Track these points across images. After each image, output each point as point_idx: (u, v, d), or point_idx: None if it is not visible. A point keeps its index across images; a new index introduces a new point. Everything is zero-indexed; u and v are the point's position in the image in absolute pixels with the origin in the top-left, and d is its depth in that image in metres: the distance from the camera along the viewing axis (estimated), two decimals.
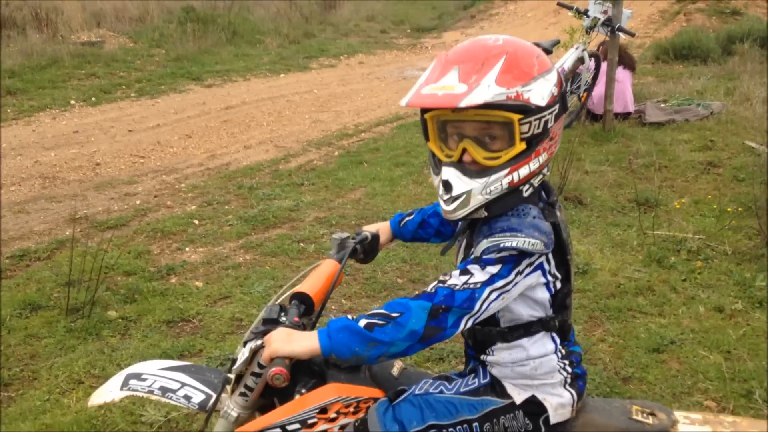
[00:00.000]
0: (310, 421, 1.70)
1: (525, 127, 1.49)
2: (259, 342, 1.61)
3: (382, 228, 2.10)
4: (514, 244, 1.48)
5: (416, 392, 1.71)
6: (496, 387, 1.69)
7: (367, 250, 2.07)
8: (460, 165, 1.55)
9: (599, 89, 7.46)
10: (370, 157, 7.26)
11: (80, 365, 3.56)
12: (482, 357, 1.73)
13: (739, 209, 5.13)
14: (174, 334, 3.94)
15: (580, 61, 7.13)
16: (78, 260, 4.14)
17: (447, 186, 1.56)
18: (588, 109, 7.76)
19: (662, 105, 8.05)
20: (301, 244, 5.12)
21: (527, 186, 1.56)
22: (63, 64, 10.76)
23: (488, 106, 1.44)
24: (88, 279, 4.09)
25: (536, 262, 1.56)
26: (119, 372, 2.15)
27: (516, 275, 1.51)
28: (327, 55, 13.39)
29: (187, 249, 5.07)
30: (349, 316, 1.51)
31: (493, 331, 1.66)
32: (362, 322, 1.46)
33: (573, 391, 1.70)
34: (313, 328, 1.78)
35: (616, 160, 6.48)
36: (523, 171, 1.52)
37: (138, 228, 5.40)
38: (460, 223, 1.80)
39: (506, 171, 1.52)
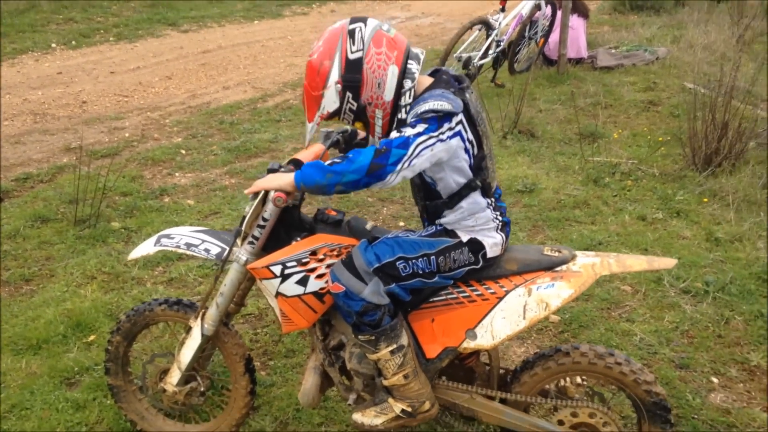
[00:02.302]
0: (303, 260, 2.23)
1: (346, 120, 2.14)
2: (262, 193, 2.15)
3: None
4: (426, 108, 1.96)
5: (389, 236, 2.26)
6: (448, 231, 2.23)
7: (348, 141, 2.49)
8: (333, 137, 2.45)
9: (555, 36, 8.01)
10: None
11: (92, 264, 4.10)
12: (436, 221, 2.28)
13: (669, 138, 5.80)
14: None
15: (537, 8, 7.66)
16: (78, 182, 4.64)
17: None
18: (544, 54, 8.32)
19: (613, 51, 8.65)
20: None
21: (401, 111, 2.11)
22: (41, 9, 10.95)
23: (327, 120, 2.14)
24: (92, 197, 4.59)
25: (455, 129, 2.02)
26: (151, 237, 2.60)
27: (438, 134, 1.98)
28: (299, 4, 13.68)
29: (177, 174, 5.58)
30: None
31: (439, 203, 2.20)
32: (326, 162, 1.98)
33: (503, 235, 2.27)
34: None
35: (567, 99, 7.08)
36: (378, 129, 2.14)
37: (129, 157, 5.88)
38: None
39: (376, 138, 2.17)
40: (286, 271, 2.22)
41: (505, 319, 2.23)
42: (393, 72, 2.04)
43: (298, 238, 2.28)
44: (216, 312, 2.45)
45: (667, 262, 2.29)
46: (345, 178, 1.94)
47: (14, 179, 5.31)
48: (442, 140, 1.99)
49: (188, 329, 2.51)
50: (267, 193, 2.17)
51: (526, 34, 7.86)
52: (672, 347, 3.36)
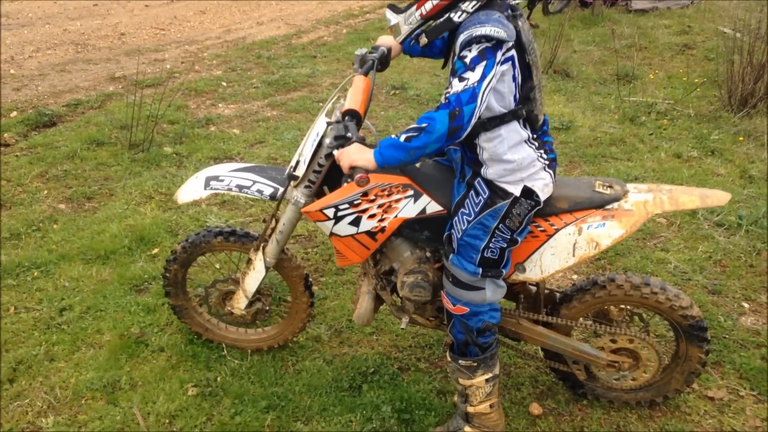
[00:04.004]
0: (355, 202, 2.24)
1: None
2: (336, 152, 2.08)
3: (394, 44, 2.42)
4: (483, 32, 1.84)
5: (458, 236, 2.20)
6: (498, 192, 2.13)
7: (383, 62, 2.42)
8: (397, 6, 2.07)
9: None
10: (376, 35, 7.78)
11: (149, 185, 4.30)
12: (477, 171, 2.17)
13: (704, 80, 5.86)
14: None
15: None
16: (127, 109, 4.80)
17: (387, 20, 2.11)
18: None
19: None
20: (320, 103, 5.79)
21: (458, 13, 1.95)
22: None
23: None
24: (143, 124, 4.75)
25: (507, 54, 1.93)
26: (194, 175, 2.60)
27: (497, 65, 1.88)
28: None
29: (220, 105, 5.73)
30: (393, 135, 1.93)
31: (477, 123, 2.01)
32: (402, 137, 1.90)
33: (551, 172, 2.17)
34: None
35: (602, 41, 7.10)
36: (428, 5, 1.97)
37: (173, 87, 6.02)
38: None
39: (415, 6, 2.00)
40: (339, 213, 2.27)
41: (554, 255, 2.25)
42: None
43: (349, 180, 2.18)
44: (276, 247, 2.56)
45: (721, 198, 2.23)
46: (428, 149, 1.91)
47: (65, 105, 5.48)
48: (498, 71, 1.93)
49: (249, 260, 2.63)
50: (322, 138, 2.26)
51: None
52: (705, 275, 3.52)
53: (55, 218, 3.92)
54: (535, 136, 2.13)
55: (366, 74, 2.32)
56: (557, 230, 2.24)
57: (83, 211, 4.06)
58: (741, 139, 4.90)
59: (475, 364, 2.35)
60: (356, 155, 1.99)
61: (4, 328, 3.04)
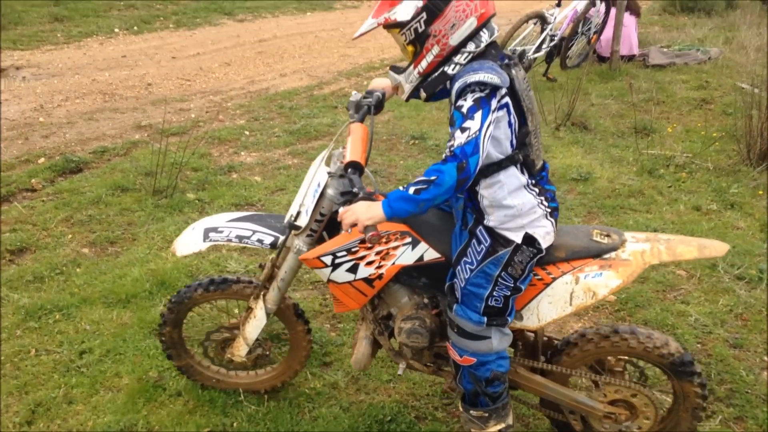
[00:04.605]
0: (353, 249, 2.29)
1: (403, 37, 2.02)
2: (341, 209, 2.07)
3: (386, 86, 2.48)
4: (476, 79, 1.92)
5: (462, 285, 2.23)
6: (499, 240, 2.17)
7: (378, 107, 2.44)
8: (398, 67, 2.17)
9: (607, 33, 8.10)
10: None
11: (171, 230, 4.37)
12: (479, 219, 2.21)
13: (722, 134, 5.89)
14: None
15: (592, 4, 7.77)
16: (152, 157, 4.91)
17: (391, 81, 2.23)
18: (596, 51, 8.41)
19: (665, 50, 8.70)
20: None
21: (452, 65, 2.03)
22: None
23: (386, 27, 2.02)
24: (167, 171, 4.86)
25: (503, 101, 1.99)
26: (191, 226, 2.64)
27: (493, 113, 1.94)
28: None
29: (242, 153, 5.84)
30: (401, 187, 1.97)
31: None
32: (411, 190, 1.93)
33: (552, 221, 2.22)
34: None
35: (620, 95, 7.18)
36: (423, 63, 2.05)
37: (197, 135, 6.16)
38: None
39: (412, 66, 2.08)
40: (337, 261, 2.30)
41: (551, 304, 2.27)
42: (471, 24, 2.01)
43: (349, 229, 2.16)
44: (278, 294, 2.59)
45: (719, 249, 2.23)
46: (437, 200, 1.96)
47: (92, 152, 5.62)
48: (495, 119, 1.99)
49: (249, 308, 2.66)
50: (325, 188, 2.30)
51: (580, 29, 7.97)
52: (726, 328, 3.48)
53: (79, 262, 3.98)
54: (534, 182, 2.17)
55: (362, 120, 2.34)
56: (554, 279, 2.26)
57: (106, 255, 4.13)
58: (760, 192, 4.89)
59: (487, 414, 2.36)
60: (365, 214, 2.00)
61: (24, 370, 3.06)
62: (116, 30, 10.03)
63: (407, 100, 2.19)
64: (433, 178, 1.91)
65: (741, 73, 7.62)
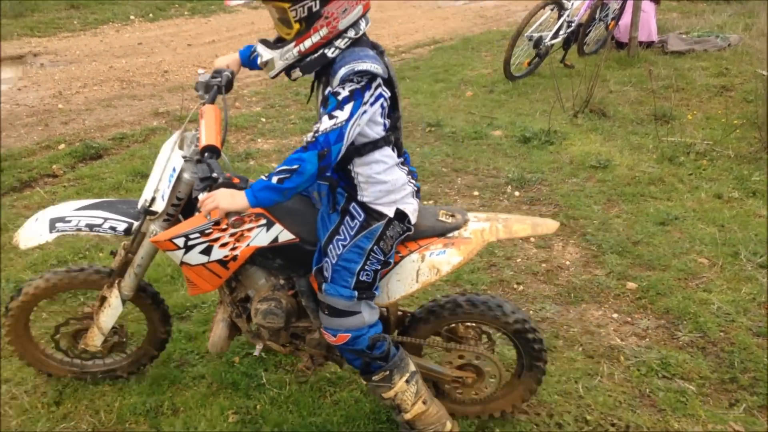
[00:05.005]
0: (206, 231, 2.25)
1: (294, 13, 1.99)
2: (201, 195, 2.05)
3: (233, 61, 2.48)
4: (364, 67, 1.98)
5: (333, 263, 2.26)
6: (373, 215, 2.25)
7: (228, 85, 2.39)
8: (268, 41, 2.14)
9: (626, 19, 8.01)
10: (411, 74, 7.93)
11: None
12: (352, 196, 2.26)
13: (744, 122, 5.82)
14: None
15: None
16: None
17: (259, 56, 2.16)
18: (614, 37, 8.33)
19: (684, 36, 8.61)
20: None
21: (332, 49, 2.06)
22: None
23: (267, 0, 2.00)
24: None
25: (377, 92, 2.06)
26: (34, 217, 2.53)
27: (365, 104, 2.01)
28: None
29: (259, 140, 5.85)
30: (263, 176, 2.00)
31: (351, 149, 2.13)
32: (274, 179, 1.97)
33: (417, 200, 2.36)
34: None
35: (638, 82, 7.11)
36: (307, 43, 2.04)
37: None
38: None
39: (293, 44, 2.05)
40: (190, 243, 2.27)
41: (399, 281, 2.39)
42: (359, 11, 2.07)
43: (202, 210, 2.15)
44: (134, 280, 2.54)
45: (550, 227, 2.44)
46: (300, 187, 2.01)
47: (111, 138, 5.65)
48: (366, 110, 2.04)
49: (103, 298, 2.58)
50: (181, 172, 2.27)
51: (597, 16, 7.89)
52: (749, 317, 3.46)
53: (101, 247, 4.01)
54: (402, 161, 2.28)
55: (213, 102, 2.29)
56: (402, 257, 2.38)
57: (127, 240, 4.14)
58: None
59: (388, 372, 2.41)
60: (227, 201, 2.00)
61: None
62: (132, 17, 10.05)
63: (274, 77, 2.18)
64: (295, 167, 1.96)
65: (761, 60, 7.52)
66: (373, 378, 2.43)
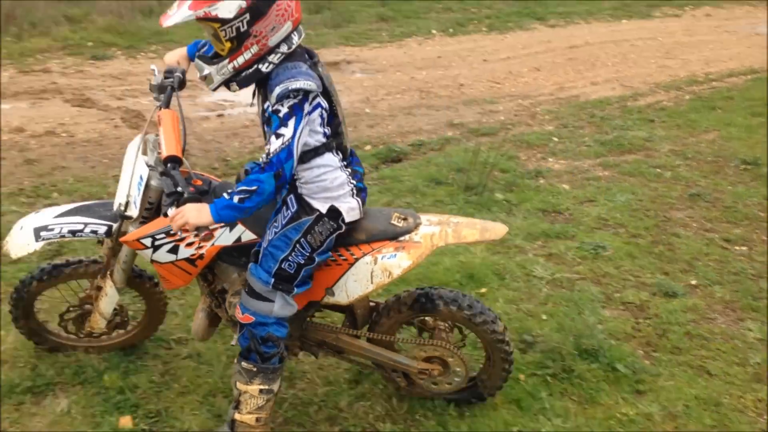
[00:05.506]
0: (172, 231, 2.36)
1: (223, 33, 2.08)
2: (172, 209, 2.16)
3: (182, 57, 2.53)
4: (298, 86, 2.08)
5: (264, 246, 2.39)
6: (305, 208, 2.34)
7: (181, 85, 2.46)
8: (206, 57, 2.23)
9: None
10: (723, 104, 7.24)
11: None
12: (293, 187, 2.35)
13: None
14: (549, 220, 4.68)
15: None
16: (464, 154, 5.06)
17: (198, 70, 2.24)
18: None
19: None
20: (658, 169, 5.51)
21: (266, 64, 2.16)
22: None
23: (203, 20, 2.05)
24: (479, 168, 4.98)
25: (314, 102, 2.17)
26: (17, 225, 2.67)
27: (306, 116, 2.13)
28: (671, 5, 13.03)
29: (550, 159, 5.77)
30: (225, 195, 2.15)
31: None
32: (235, 199, 2.13)
33: (358, 200, 2.40)
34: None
35: None
36: (240, 60, 2.14)
37: (505, 138, 6.24)
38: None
39: (227, 60, 2.15)
40: (156, 242, 2.42)
41: (356, 282, 2.49)
42: (288, 27, 2.15)
43: (169, 212, 2.25)
44: (123, 274, 2.69)
45: (498, 231, 2.51)
46: (259, 205, 2.17)
47: (410, 144, 6.00)
48: (308, 121, 2.17)
49: (99, 287, 2.77)
50: (149, 180, 2.40)
51: None
52: None
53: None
54: (346, 163, 2.38)
55: (168, 105, 2.40)
56: (357, 259, 2.47)
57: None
58: None
59: (255, 369, 2.47)
60: (194, 217, 2.14)
61: None
62: (433, 31, 10.60)
63: (215, 90, 2.27)
64: (254, 188, 2.12)
65: None
66: (242, 364, 2.49)
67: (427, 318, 2.76)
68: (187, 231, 2.20)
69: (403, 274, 2.45)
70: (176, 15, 2.07)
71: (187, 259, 2.48)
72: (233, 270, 2.61)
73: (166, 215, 2.20)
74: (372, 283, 2.48)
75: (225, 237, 2.47)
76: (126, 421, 2.69)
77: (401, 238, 2.48)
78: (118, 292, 2.76)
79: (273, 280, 2.38)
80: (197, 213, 2.16)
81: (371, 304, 2.79)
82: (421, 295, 2.65)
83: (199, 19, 2.07)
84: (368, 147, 5.93)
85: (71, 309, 2.91)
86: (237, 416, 2.53)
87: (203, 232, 2.29)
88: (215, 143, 5.91)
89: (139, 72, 7.58)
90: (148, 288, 2.91)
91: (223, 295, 2.67)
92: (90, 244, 3.78)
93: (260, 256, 2.43)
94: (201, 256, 2.48)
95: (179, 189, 2.17)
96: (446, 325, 2.75)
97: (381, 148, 5.84)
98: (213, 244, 2.47)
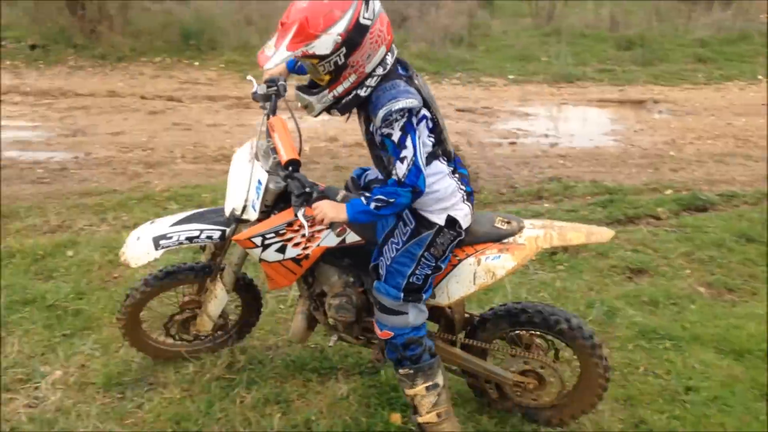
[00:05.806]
0: (281, 232, 2.50)
1: (322, 67, 2.16)
2: (303, 209, 2.31)
3: (281, 68, 2.66)
4: (401, 106, 2.14)
5: (387, 264, 2.45)
6: (423, 222, 2.40)
7: (283, 92, 2.65)
8: (305, 87, 2.30)
9: None
10: None
11: None
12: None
13: None
14: None
15: None
16: None
17: (299, 101, 2.32)
18: None
19: None
20: None
21: (364, 89, 2.21)
22: (752, 41, 11.05)
23: (302, 58, 2.15)
24: None
25: (420, 115, 2.24)
26: (134, 236, 2.73)
27: (417, 131, 2.20)
28: None
29: None
30: (363, 200, 2.26)
31: None
32: (372, 205, 2.24)
33: (469, 204, 2.45)
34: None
35: None
36: (339, 89, 2.21)
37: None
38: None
39: (327, 90, 2.23)
40: (266, 242, 2.51)
41: (458, 283, 2.53)
42: (382, 52, 2.18)
43: (276, 212, 2.54)
44: (233, 277, 2.85)
45: (605, 235, 2.52)
46: (392, 214, 2.32)
47: (719, 194, 5.52)
48: (420, 134, 2.23)
49: (207, 290, 2.92)
50: (267, 184, 2.51)
51: None
52: None
53: (693, 299, 3.97)
54: (452, 169, 2.41)
55: (275, 112, 2.60)
56: (460, 261, 2.50)
57: (722, 300, 4.00)
58: None
59: (412, 372, 2.53)
60: (332, 212, 2.30)
61: (631, 383, 3.19)
62: (760, 77, 9.61)
63: (316, 116, 2.34)
64: (392, 200, 2.23)
65: None
66: (399, 371, 2.56)
67: (521, 332, 2.74)
68: (293, 227, 2.47)
69: (507, 275, 2.48)
70: (276, 56, 2.12)
71: (293, 259, 2.58)
72: (334, 272, 2.69)
73: (295, 215, 2.36)
74: (474, 284, 2.51)
75: (330, 238, 2.55)
76: (396, 417, 2.86)
77: (505, 241, 2.51)
78: (228, 293, 2.91)
79: (402, 294, 2.46)
80: (335, 210, 2.32)
81: (466, 315, 2.82)
82: (519, 308, 2.66)
83: (297, 58, 2.20)
84: (669, 191, 5.59)
85: (186, 310, 3.03)
86: (419, 420, 2.62)
87: (337, 228, 2.47)
88: (505, 169, 6.07)
89: (442, 96, 8.07)
90: (246, 291, 3.10)
91: (321, 298, 2.75)
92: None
93: (384, 273, 2.49)
94: (306, 257, 2.58)
95: (307, 189, 2.34)
96: (542, 340, 2.76)
97: (684, 195, 5.47)
98: (318, 245, 2.56)
